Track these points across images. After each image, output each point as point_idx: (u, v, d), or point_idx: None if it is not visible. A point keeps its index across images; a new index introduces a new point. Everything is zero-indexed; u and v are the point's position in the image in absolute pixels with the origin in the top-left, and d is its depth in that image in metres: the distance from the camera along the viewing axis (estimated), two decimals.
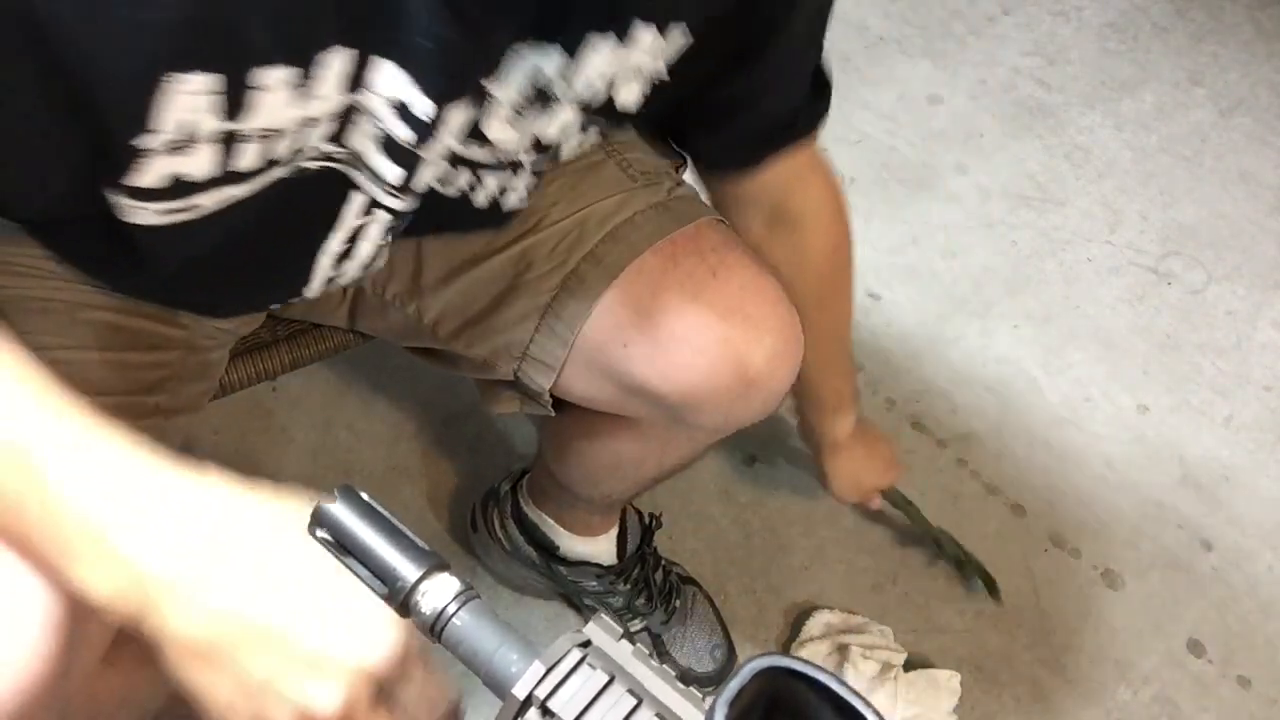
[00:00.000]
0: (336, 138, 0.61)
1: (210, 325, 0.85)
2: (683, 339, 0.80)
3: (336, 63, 0.54)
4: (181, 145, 0.54)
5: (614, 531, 1.20)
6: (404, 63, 0.56)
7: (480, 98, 0.62)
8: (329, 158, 0.63)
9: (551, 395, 0.88)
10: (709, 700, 0.39)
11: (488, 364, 0.88)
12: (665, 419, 0.88)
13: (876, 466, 1.24)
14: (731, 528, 1.39)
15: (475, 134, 0.65)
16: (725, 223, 0.88)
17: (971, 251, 1.71)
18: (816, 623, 1.30)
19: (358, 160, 0.63)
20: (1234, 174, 1.83)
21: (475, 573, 1.30)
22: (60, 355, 0.74)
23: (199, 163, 0.55)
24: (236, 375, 0.94)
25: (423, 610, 0.41)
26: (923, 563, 1.38)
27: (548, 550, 1.20)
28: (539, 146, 0.70)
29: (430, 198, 0.70)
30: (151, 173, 0.55)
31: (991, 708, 1.29)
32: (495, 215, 0.77)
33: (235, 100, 0.53)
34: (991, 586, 1.35)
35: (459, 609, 0.41)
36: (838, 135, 1.82)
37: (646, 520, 1.24)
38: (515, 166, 0.72)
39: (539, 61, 0.62)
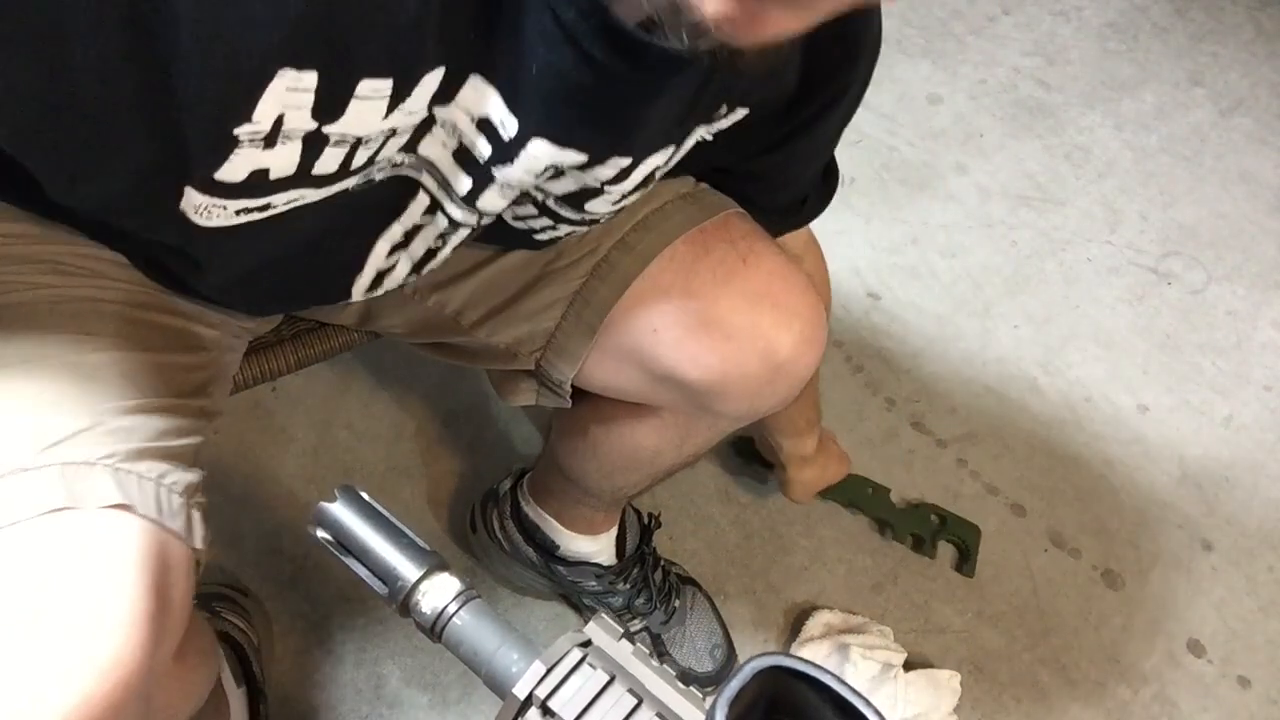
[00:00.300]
0: (411, 148, 0.61)
1: (236, 325, 0.85)
2: (713, 324, 0.80)
3: (433, 81, 0.55)
4: (272, 139, 0.54)
5: (614, 531, 1.20)
6: (501, 84, 0.57)
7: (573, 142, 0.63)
8: (398, 166, 0.64)
9: (570, 386, 0.88)
10: (709, 700, 0.39)
11: (509, 352, 0.88)
12: (689, 406, 0.88)
13: (831, 465, 1.29)
14: (731, 528, 1.39)
15: (572, 200, 0.68)
16: (748, 215, 0.88)
17: (971, 251, 1.71)
18: (816, 623, 1.30)
19: (429, 166, 0.64)
20: (1234, 174, 1.83)
21: (475, 573, 1.30)
22: (110, 356, 0.73)
23: (282, 160, 0.56)
24: (241, 375, 0.94)
25: (423, 610, 0.41)
26: (923, 563, 1.38)
27: (547, 550, 1.20)
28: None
29: (498, 225, 0.72)
30: (237, 165, 0.55)
31: (991, 708, 1.29)
32: (546, 244, 0.79)
33: (332, 103, 0.53)
34: (966, 556, 1.36)
35: (459, 609, 0.41)
36: None
37: (645, 520, 1.24)
38: (593, 221, 0.74)
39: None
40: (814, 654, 1.28)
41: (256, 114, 0.52)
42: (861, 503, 1.39)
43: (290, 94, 0.51)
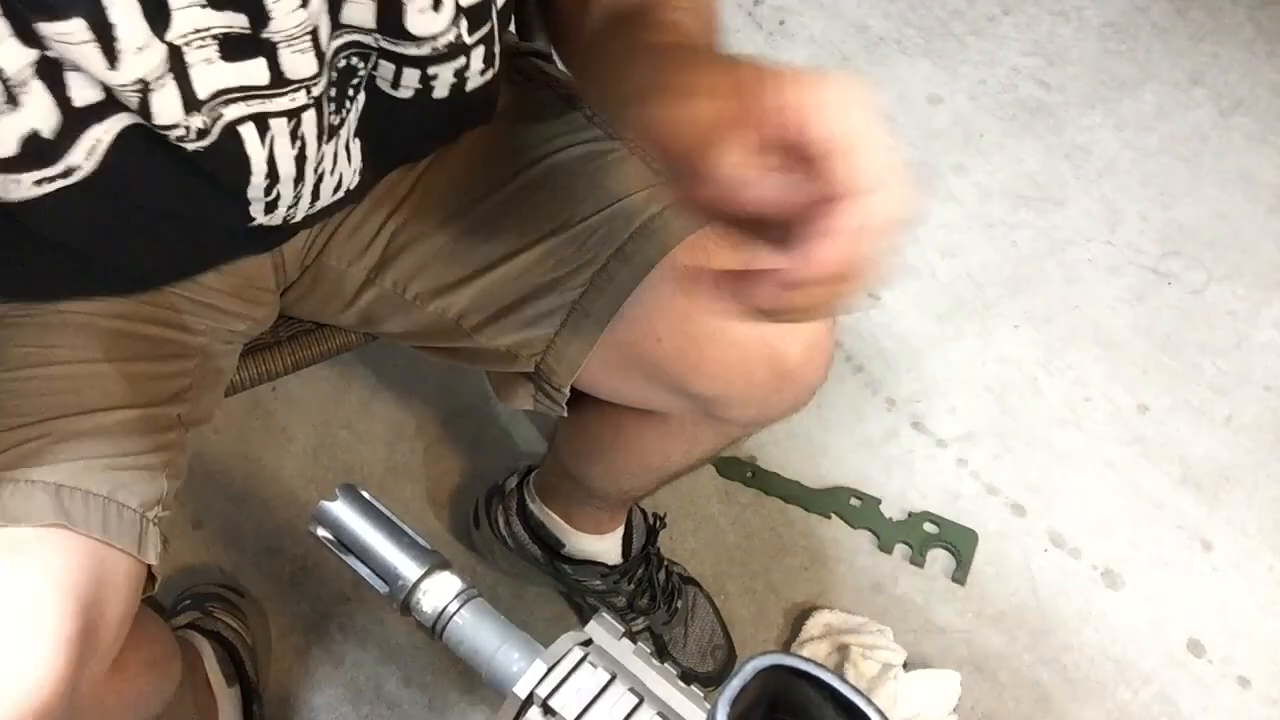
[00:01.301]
0: (194, 105, 0.58)
1: (226, 330, 0.85)
2: (717, 333, 0.78)
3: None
4: (11, 96, 0.52)
5: (621, 530, 1.20)
6: None
7: None
8: (204, 115, 0.60)
9: (571, 390, 0.87)
10: (710, 699, 0.39)
11: (510, 354, 0.86)
12: (696, 414, 0.87)
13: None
14: (731, 528, 1.39)
15: (392, 28, 0.62)
16: None
17: (971, 251, 1.71)
18: (816, 623, 1.30)
19: (223, 94, 0.60)
20: (1234, 174, 1.83)
21: (475, 573, 1.30)
22: (80, 369, 0.73)
23: (37, 112, 0.53)
24: (239, 376, 0.94)
25: (424, 609, 0.41)
26: (923, 563, 1.38)
27: (552, 548, 1.20)
28: (466, 13, 0.65)
29: (382, 99, 0.67)
30: (6, 139, 0.53)
31: (991, 708, 1.29)
32: (470, 104, 0.72)
33: (27, 31, 0.50)
34: (960, 563, 1.36)
35: (460, 608, 0.41)
36: None
37: (651, 520, 1.24)
38: (457, 49, 0.67)
39: None
40: (814, 654, 1.28)
41: None
42: (846, 515, 1.39)
43: None
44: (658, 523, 1.23)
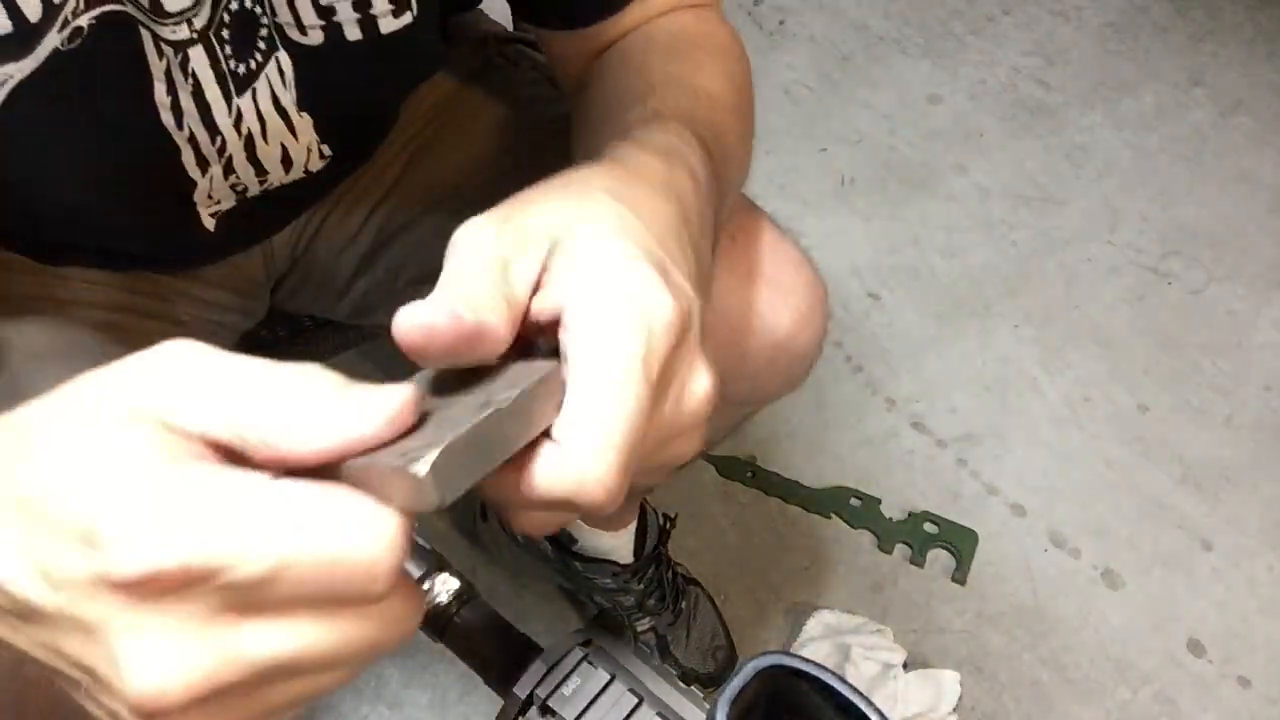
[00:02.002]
0: None
1: (208, 321, 0.84)
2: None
3: None
4: None
5: (633, 528, 1.20)
6: None
7: None
8: (95, 2, 0.57)
9: None
10: (710, 700, 0.39)
11: None
12: None
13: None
14: (731, 528, 1.39)
15: None
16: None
17: (971, 251, 1.71)
18: (816, 623, 1.30)
19: None
20: (1234, 174, 1.83)
21: (476, 572, 1.30)
22: (56, 358, 0.73)
23: None
24: None
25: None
26: (923, 563, 1.38)
27: (564, 544, 1.19)
28: None
29: (306, 59, 0.66)
30: None
31: (991, 708, 1.29)
32: (400, 53, 0.69)
33: None
34: (960, 563, 1.36)
35: (460, 607, 0.41)
36: (838, 135, 1.82)
37: (662, 521, 1.23)
38: None
39: None
40: (814, 654, 1.28)
41: None
42: (846, 515, 1.40)
43: None
44: (668, 525, 1.23)
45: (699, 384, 0.40)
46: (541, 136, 0.85)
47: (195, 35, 0.61)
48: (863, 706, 0.39)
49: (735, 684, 0.39)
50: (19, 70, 0.56)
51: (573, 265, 0.39)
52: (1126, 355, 1.61)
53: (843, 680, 0.39)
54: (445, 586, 0.41)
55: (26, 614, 0.31)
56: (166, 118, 0.65)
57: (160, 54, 0.61)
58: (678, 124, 0.57)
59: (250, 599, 0.28)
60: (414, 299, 0.87)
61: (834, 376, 1.54)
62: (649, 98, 0.62)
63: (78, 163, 0.65)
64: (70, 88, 0.59)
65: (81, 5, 0.57)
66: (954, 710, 1.25)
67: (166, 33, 0.60)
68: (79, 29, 0.57)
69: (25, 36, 0.55)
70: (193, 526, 0.27)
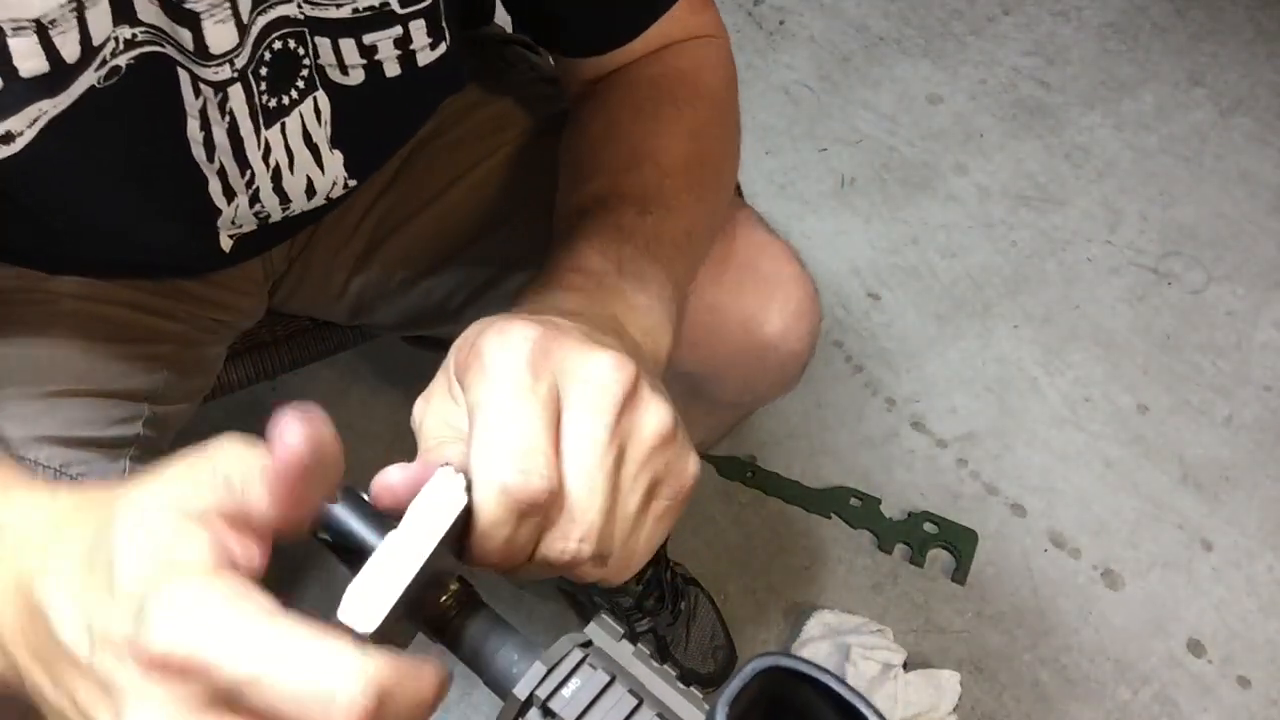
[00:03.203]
0: (127, 18, 0.56)
1: (207, 319, 0.84)
2: (694, 297, 0.75)
3: None
4: None
5: None
6: None
7: None
8: (135, 44, 0.58)
9: None
10: (713, 699, 0.39)
11: None
12: (681, 390, 0.86)
13: None
14: (731, 528, 1.39)
15: None
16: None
17: (971, 251, 1.71)
18: (816, 623, 1.30)
19: (159, 34, 0.58)
20: (1234, 174, 1.83)
21: (474, 574, 1.30)
22: (43, 349, 0.73)
23: None
24: (236, 374, 0.94)
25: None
26: (923, 563, 1.38)
27: None
28: None
29: (346, 101, 0.66)
30: None
31: (991, 708, 1.29)
32: (435, 81, 0.70)
33: None
34: (960, 563, 1.36)
35: (459, 608, 0.41)
36: (838, 135, 1.82)
37: None
38: (387, 16, 0.64)
39: None
40: (814, 654, 1.28)
41: None
42: (846, 515, 1.40)
43: None
44: None
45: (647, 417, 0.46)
46: (537, 138, 0.85)
47: (235, 75, 0.62)
48: (862, 708, 0.39)
49: (735, 685, 0.38)
50: (53, 106, 0.56)
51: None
52: (1126, 355, 1.61)
53: (842, 681, 0.39)
54: (444, 587, 0.40)
55: (59, 655, 0.36)
56: (198, 151, 0.65)
57: (198, 93, 0.62)
58: (608, 214, 0.62)
59: (234, 699, 0.33)
60: (410, 299, 0.86)
61: (834, 376, 1.54)
62: (596, 176, 0.67)
63: (104, 192, 0.65)
64: (103, 123, 0.59)
65: (121, 46, 0.57)
66: (954, 710, 1.25)
67: (208, 74, 0.61)
68: (116, 68, 0.57)
69: (61, 76, 0.55)
70: (212, 631, 0.32)
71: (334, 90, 0.67)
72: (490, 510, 0.42)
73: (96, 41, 0.55)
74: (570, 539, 0.43)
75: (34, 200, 0.63)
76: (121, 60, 0.58)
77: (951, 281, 1.67)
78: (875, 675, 1.24)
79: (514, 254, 0.82)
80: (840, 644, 1.27)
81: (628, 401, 0.43)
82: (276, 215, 0.72)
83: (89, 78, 0.57)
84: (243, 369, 0.95)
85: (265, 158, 0.68)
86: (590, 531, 0.43)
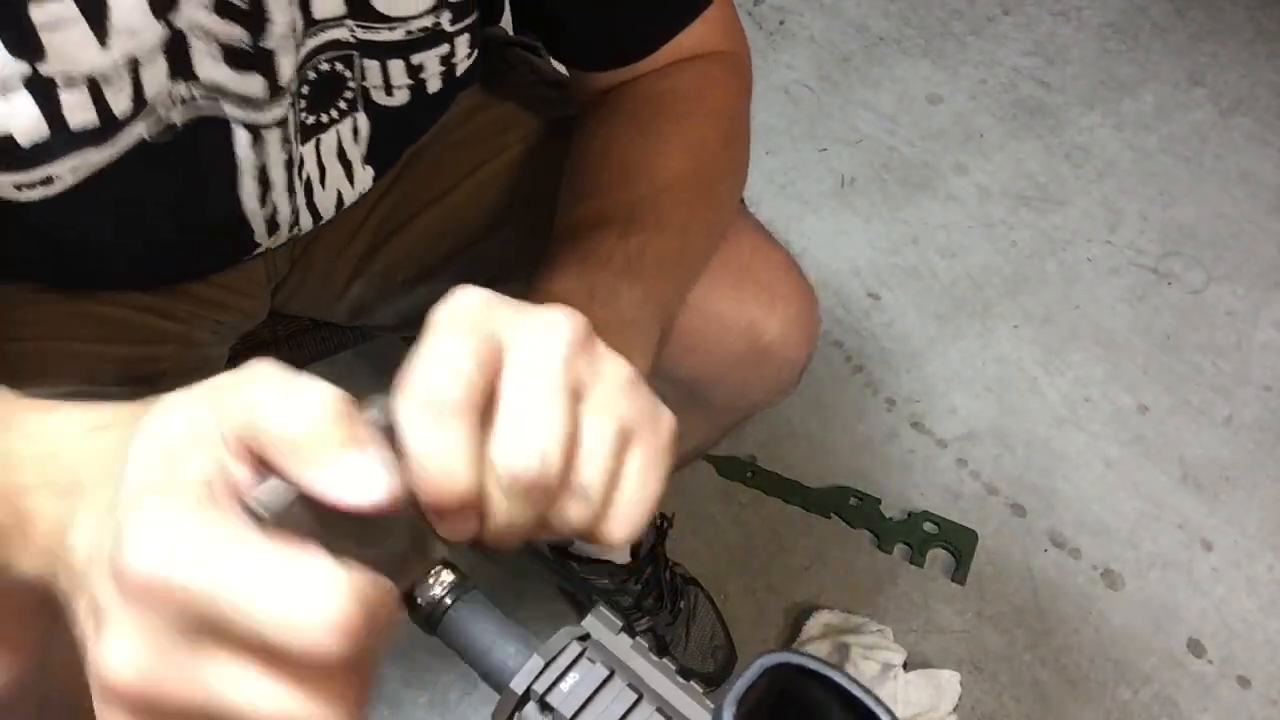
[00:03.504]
0: (183, 74, 0.56)
1: (212, 320, 0.84)
2: (692, 302, 0.75)
3: None
4: None
5: None
6: None
7: None
8: (191, 101, 0.58)
9: None
10: (715, 698, 0.39)
11: None
12: (677, 395, 0.86)
13: None
14: (731, 528, 1.39)
15: (362, 9, 0.60)
16: None
17: (971, 251, 1.71)
18: (816, 623, 1.30)
19: (218, 90, 0.58)
20: (1234, 174, 1.83)
21: (475, 571, 1.30)
22: (51, 346, 0.73)
23: (20, 119, 0.52)
24: None
25: (418, 602, 0.40)
26: (923, 562, 1.38)
27: (561, 545, 1.19)
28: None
29: (385, 122, 0.67)
30: None
31: (991, 708, 1.29)
32: (458, 88, 0.71)
33: (22, 36, 0.49)
34: (960, 563, 1.36)
35: (455, 601, 0.40)
36: (838, 135, 1.82)
37: (659, 521, 1.23)
38: (438, 36, 0.65)
39: None
40: (814, 654, 1.28)
41: None
42: (846, 515, 1.39)
43: None
44: (665, 524, 1.23)
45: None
46: (538, 141, 0.85)
47: (290, 100, 0.62)
48: (872, 705, 0.38)
49: (742, 682, 0.38)
50: (100, 157, 0.56)
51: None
52: (1126, 355, 1.61)
53: (852, 679, 0.39)
54: (439, 578, 0.40)
55: (73, 569, 0.36)
56: (250, 204, 0.66)
57: (256, 140, 0.62)
58: (590, 239, 0.62)
59: (211, 628, 0.31)
60: (410, 300, 0.87)
61: (834, 376, 1.54)
62: (589, 197, 0.66)
63: (141, 233, 0.66)
64: (150, 174, 0.59)
65: (176, 103, 0.57)
66: (954, 710, 1.25)
67: (267, 117, 0.61)
68: (171, 125, 0.57)
69: (110, 128, 0.55)
70: (185, 552, 0.31)
71: (376, 111, 0.67)
72: (410, 423, 0.37)
73: (149, 95, 0.55)
74: (525, 451, 0.37)
75: (59, 232, 0.62)
76: (176, 118, 0.58)
77: (951, 281, 1.67)
78: (875, 675, 1.24)
79: (514, 257, 0.82)
80: (840, 644, 1.27)
81: (580, 344, 0.39)
82: (306, 229, 0.73)
83: (139, 130, 0.57)
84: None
85: (302, 174, 0.68)
86: (548, 446, 0.37)
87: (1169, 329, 1.64)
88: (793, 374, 0.83)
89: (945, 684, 1.26)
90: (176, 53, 0.55)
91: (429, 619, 0.40)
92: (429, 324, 0.39)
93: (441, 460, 0.36)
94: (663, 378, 0.80)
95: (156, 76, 0.55)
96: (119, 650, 0.31)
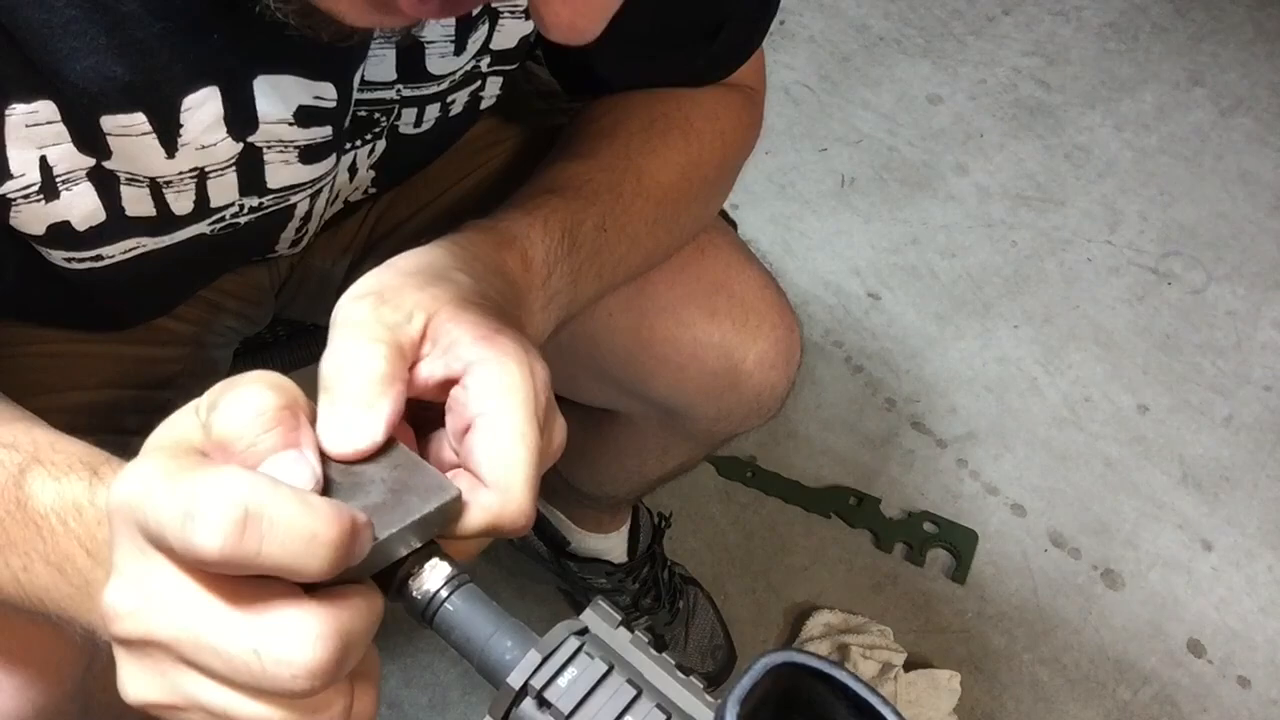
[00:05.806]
0: (256, 190, 0.57)
1: (219, 323, 0.85)
2: (666, 310, 0.76)
3: (209, 107, 0.50)
4: (50, 188, 0.50)
5: (625, 529, 1.20)
6: (287, 67, 0.52)
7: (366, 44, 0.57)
8: (261, 210, 0.59)
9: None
10: (718, 697, 0.38)
11: None
12: (660, 419, 0.86)
13: None
14: (731, 528, 1.38)
15: (413, 74, 0.61)
16: None
17: (971, 251, 1.70)
18: (816, 623, 1.30)
19: (293, 190, 0.60)
20: (1234, 174, 1.83)
21: (475, 571, 1.30)
22: (68, 349, 0.73)
23: (80, 208, 0.52)
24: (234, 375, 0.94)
25: (413, 595, 0.40)
26: (922, 562, 1.38)
27: (557, 546, 1.19)
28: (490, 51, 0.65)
29: (402, 141, 0.68)
30: (26, 219, 0.51)
31: (991, 708, 1.28)
32: (480, 108, 0.72)
33: (90, 135, 0.49)
34: (960, 562, 1.36)
35: (451, 594, 0.40)
36: (838, 135, 1.82)
37: (656, 520, 1.23)
38: (473, 76, 0.66)
39: None
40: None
41: (13, 167, 0.48)
42: (846, 515, 1.39)
43: (33, 129, 0.47)
44: (663, 523, 1.23)
45: (560, 424, 0.48)
46: (531, 149, 0.85)
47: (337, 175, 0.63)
48: (876, 704, 0.38)
49: (746, 681, 0.38)
50: (154, 243, 0.57)
51: (457, 336, 0.45)
52: (1126, 355, 1.61)
53: (857, 678, 0.38)
54: (435, 572, 0.40)
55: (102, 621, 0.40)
56: (289, 235, 0.69)
57: (313, 198, 0.64)
58: (565, 203, 0.62)
59: (198, 665, 0.36)
60: None
61: (834, 376, 1.54)
62: (577, 160, 0.66)
63: (185, 290, 0.68)
64: (204, 255, 0.60)
65: (245, 211, 0.58)
66: (954, 710, 1.25)
67: (322, 182, 0.63)
68: (235, 224, 0.59)
69: (168, 223, 0.56)
70: (162, 609, 0.36)
71: (395, 137, 0.68)
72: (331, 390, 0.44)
73: (215, 204, 0.56)
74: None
75: (96, 290, 0.62)
76: (242, 219, 0.59)
77: (951, 281, 1.67)
78: (875, 675, 1.23)
79: None
80: (840, 644, 1.26)
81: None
82: (313, 232, 0.75)
83: (201, 227, 0.57)
84: (244, 369, 0.94)
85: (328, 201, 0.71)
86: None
87: (1169, 329, 1.64)
88: (773, 397, 0.82)
89: (945, 684, 1.26)
90: (248, 167, 0.56)
91: (423, 612, 0.40)
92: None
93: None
94: (641, 398, 0.80)
95: (225, 190, 0.56)
96: (128, 682, 0.38)
